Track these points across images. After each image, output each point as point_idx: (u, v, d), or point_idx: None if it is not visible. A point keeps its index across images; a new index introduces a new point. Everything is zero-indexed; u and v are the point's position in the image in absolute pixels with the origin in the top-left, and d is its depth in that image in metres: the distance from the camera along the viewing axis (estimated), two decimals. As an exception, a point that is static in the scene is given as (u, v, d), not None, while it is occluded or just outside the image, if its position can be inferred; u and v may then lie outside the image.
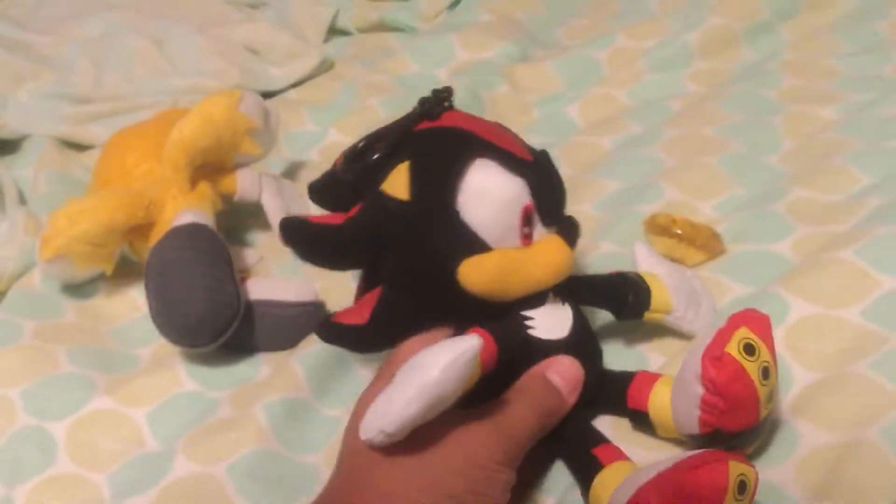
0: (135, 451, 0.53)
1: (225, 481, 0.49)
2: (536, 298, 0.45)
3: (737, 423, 0.40)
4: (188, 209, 0.60)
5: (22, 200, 0.78)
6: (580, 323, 0.46)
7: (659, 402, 0.44)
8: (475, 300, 0.42)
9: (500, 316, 0.43)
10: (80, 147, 0.86)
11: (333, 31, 1.05)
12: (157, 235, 0.60)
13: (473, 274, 0.41)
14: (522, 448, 0.41)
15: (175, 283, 0.54)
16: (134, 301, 0.65)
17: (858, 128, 0.67)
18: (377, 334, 0.44)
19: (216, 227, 0.61)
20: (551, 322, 0.45)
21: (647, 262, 0.52)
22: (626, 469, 0.41)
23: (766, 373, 0.40)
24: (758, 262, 0.56)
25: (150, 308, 0.55)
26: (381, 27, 1.04)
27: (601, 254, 0.60)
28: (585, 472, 0.42)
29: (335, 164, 0.46)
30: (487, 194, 0.42)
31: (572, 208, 0.64)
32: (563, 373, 0.44)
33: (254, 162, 0.69)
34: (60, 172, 0.80)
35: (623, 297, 0.49)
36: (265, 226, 0.69)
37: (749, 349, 0.39)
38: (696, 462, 0.37)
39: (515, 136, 0.47)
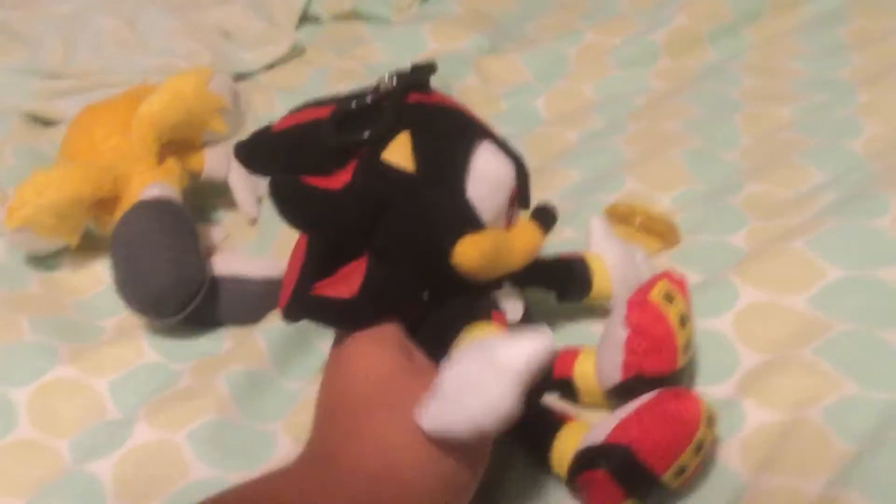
0: (96, 418, 0.54)
1: (185, 447, 0.49)
2: (498, 281, 0.45)
3: (656, 366, 0.43)
4: (155, 183, 0.60)
5: (-11, 173, 0.78)
6: (527, 306, 0.47)
7: (583, 368, 0.47)
8: (457, 278, 0.42)
9: (472, 295, 0.44)
10: (48, 122, 0.86)
11: (306, 18, 1.05)
12: (122, 209, 0.60)
13: (468, 252, 0.41)
14: None
15: (140, 254, 0.55)
16: (98, 274, 0.66)
17: (814, 127, 0.69)
18: (365, 308, 0.41)
19: (183, 203, 0.62)
20: (510, 305, 0.46)
21: (600, 239, 0.53)
22: (584, 424, 0.43)
23: (683, 321, 0.43)
24: (712, 252, 0.58)
25: (115, 279, 0.56)
26: (354, 16, 1.04)
27: (563, 239, 0.61)
28: (544, 432, 0.44)
29: (280, 124, 0.44)
30: (490, 176, 0.43)
31: (537, 196, 0.67)
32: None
33: (221, 141, 0.70)
34: (28, 146, 0.80)
35: (565, 282, 0.50)
36: (232, 204, 0.70)
37: (669, 297, 0.43)
38: (672, 396, 0.40)
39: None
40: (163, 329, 0.58)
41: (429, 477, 0.38)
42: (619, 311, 0.44)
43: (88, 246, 0.66)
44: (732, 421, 0.45)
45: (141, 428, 0.50)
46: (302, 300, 0.41)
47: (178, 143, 0.67)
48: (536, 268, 0.49)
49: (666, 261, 0.58)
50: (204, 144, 0.69)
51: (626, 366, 0.43)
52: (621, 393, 0.44)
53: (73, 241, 0.64)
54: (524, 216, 0.45)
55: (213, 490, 0.46)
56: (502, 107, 0.84)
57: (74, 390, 0.55)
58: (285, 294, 0.42)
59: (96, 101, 0.74)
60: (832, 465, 0.42)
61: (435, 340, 0.42)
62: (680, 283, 0.45)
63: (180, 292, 0.54)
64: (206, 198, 0.72)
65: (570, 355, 0.48)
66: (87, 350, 0.57)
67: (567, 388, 0.48)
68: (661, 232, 0.59)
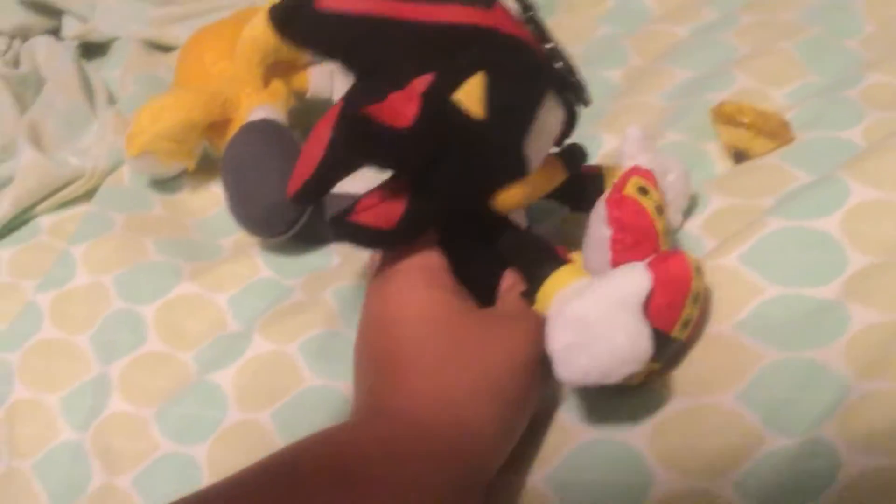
0: (217, 331, 0.57)
1: (297, 358, 0.52)
2: None
3: (642, 256, 0.42)
4: (261, 105, 0.62)
5: (111, 101, 0.82)
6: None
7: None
8: (488, 213, 0.44)
9: (494, 223, 0.45)
10: (164, 48, 0.89)
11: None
12: (233, 132, 0.62)
13: (511, 199, 0.43)
14: None
15: (248, 176, 0.57)
16: (216, 195, 0.68)
17: (945, 9, 0.64)
18: (399, 240, 0.43)
19: (289, 124, 0.64)
20: (517, 216, 0.47)
21: (631, 152, 0.51)
22: (578, 271, 0.44)
23: (659, 210, 0.44)
24: (826, 150, 0.55)
25: (227, 200, 0.58)
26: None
27: (667, 143, 0.59)
28: (539, 268, 0.44)
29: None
30: (546, 131, 0.43)
31: (639, 98, 0.65)
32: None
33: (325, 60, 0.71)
34: (147, 73, 0.83)
35: (577, 196, 0.50)
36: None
37: (642, 191, 0.44)
38: (661, 260, 0.41)
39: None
40: (275, 246, 0.60)
41: (496, 425, 0.39)
42: (599, 211, 0.44)
43: (206, 168, 0.69)
44: (837, 323, 0.43)
45: (257, 340, 0.53)
46: (341, 224, 0.42)
47: (282, 64, 0.68)
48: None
49: (777, 160, 0.56)
50: (308, 64, 0.70)
51: (615, 262, 0.43)
52: None
53: (191, 164, 0.67)
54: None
55: (324, 397, 0.50)
56: (608, 5, 0.81)
57: (197, 306, 0.58)
58: (295, 182, 0.42)
59: (206, 25, 0.76)
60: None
61: (483, 279, 0.45)
62: (648, 175, 0.45)
63: (288, 211, 0.56)
64: (313, 116, 0.73)
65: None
66: (208, 268, 0.60)
67: None
68: (773, 131, 0.57)
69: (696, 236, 0.52)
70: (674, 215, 0.51)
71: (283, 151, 0.58)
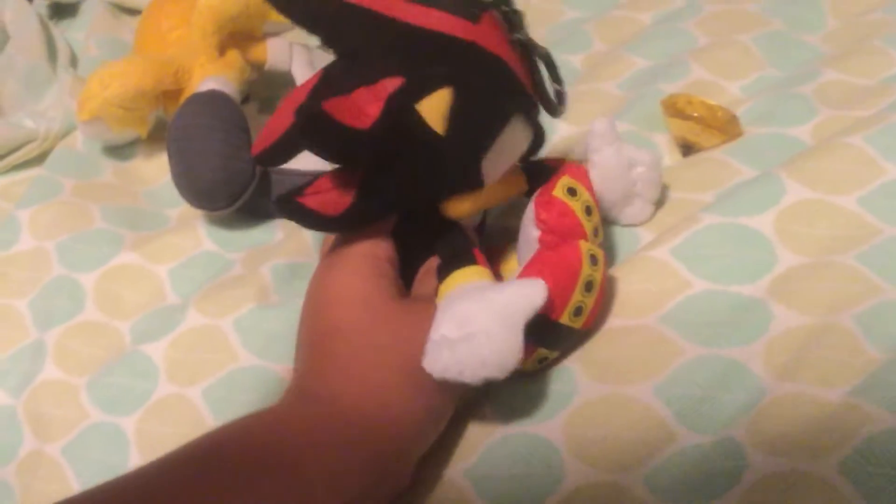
0: (156, 303, 0.57)
1: (230, 334, 0.52)
2: None
3: None
4: (212, 76, 0.62)
5: (74, 63, 0.81)
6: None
7: (510, 266, 0.49)
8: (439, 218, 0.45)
9: (446, 222, 0.45)
10: (131, 11, 0.88)
11: None
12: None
13: (461, 207, 0.44)
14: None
15: (192, 148, 0.56)
16: (168, 164, 0.68)
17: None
18: (342, 228, 0.44)
19: (243, 95, 0.63)
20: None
21: (598, 149, 0.50)
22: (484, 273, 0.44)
23: (588, 210, 0.45)
24: (773, 146, 0.55)
25: (171, 171, 0.58)
26: None
27: (620, 132, 0.59)
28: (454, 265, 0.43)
29: None
30: (507, 151, 0.44)
31: (596, 86, 0.65)
32: None
33: (284, 32, 0.70)
34: (111, 36, 0.82)
35: (535, 185, 0.48)
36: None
37: (572, 192, 0.45)
38: (551, 247, 0.43)
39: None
40: (220, 220, 0.60)
41: (419, 411, 0.40)
42: (530, 211, 0.45)
43: (161, 136, 0.68)
44: (760, 323, 0.43)
45: (192, 314, 0.53)
46: (288, 203, 0.42)
47: (240, 35, 0.67)
48: None
49: (722, 154, 0.55)
50: (266, 35, 0.69)
51: None
52: None
53: (143, 132, 0.66)
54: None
55: (255, 377, 0.50)
56: (577, -14, 0.81)
57: (137, 276, 0.58)
58: (259, 144, 0.43)
59: (169, -9, 0.75)
60: (858, 372, 0.40)
61: (409, 270, 0.45)
62: (580, 175, 0.46)
63: (230, 185, 0.56)
64: (272, 89, 0.73)
65: (495, 255, 0.49)
66: (151, 238, 0.60)
67: None
68: (721, 125, 0.57)
69: (633, 229, 0.52)
70: (643, 207, 0.51)
71: (229, 124, 0.58)
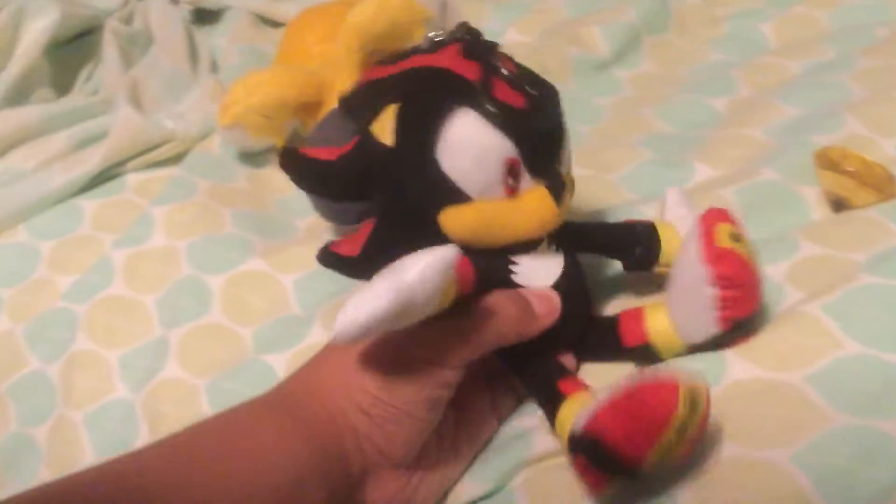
0: (279, 312, 0.57)
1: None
2: (525, 245, 0.44)
3: (751, 307, 0.42)
4: (353, 92, 0.62)
5: (214, 69, 0.83)
6: (571, 272, 0.45)
7: (658, 327, 0.45)
8: (461, 244, 0.42)
9: (486, 258, 0.43)
10: (273, 23, 0.90)
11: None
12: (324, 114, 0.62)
13: (453, 224, 0.41)
14: (472, 349, 0.40)
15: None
16: (300, 176, 0.69)
17: None
18: (368, 265, 0.42)
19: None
20: (538, 269, 0.44)
21: (674, 206, 0.48)
22: (586, 397, 0.41)
23: (752, 253, 0.42)
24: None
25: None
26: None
27: (762, 181, 0.57)
28: (551, 404, 0.42)
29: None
30: (465, 149, 0.41)
31: (741, 131, 0.63)
32: (540, 296, 0.43)
33: (426, 52, 0.70)
34: (252, 46, 0.84)
35: (630, 249, 0.47)
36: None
37: (735, 237, 0.42)
38: (649, 383, 0.37)
39: (517, 71, 0.44)
40: (346, 232, 0.60)
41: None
42: (691, 270, 0.42)
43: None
44: None
45: (316, 329, 0.53)
46: (322, 252, 0.46)
47: (382, 53, 0.67)
48: (599, 233, 0.48)
49: (877, 214, 0.53)
50: (407, 55, 0.69)
51: (724, 319, 0.42)
52: (718, 341, 0.43)
53: (280, 141, 0.67)
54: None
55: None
56: (724, 30, 0.79)
57: (263, 283, 0.58)
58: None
59: (315, 5, 0.76)
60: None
61: None
62: (727, 215, 0.43)
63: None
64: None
65: (634, 320, 0.46)
66: (279, 247, 0.60)
67: (644, 353, 0.46)
68: (878, 183, 0.54)
69: (778, 284, 0.49)
70: None
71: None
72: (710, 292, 0.41)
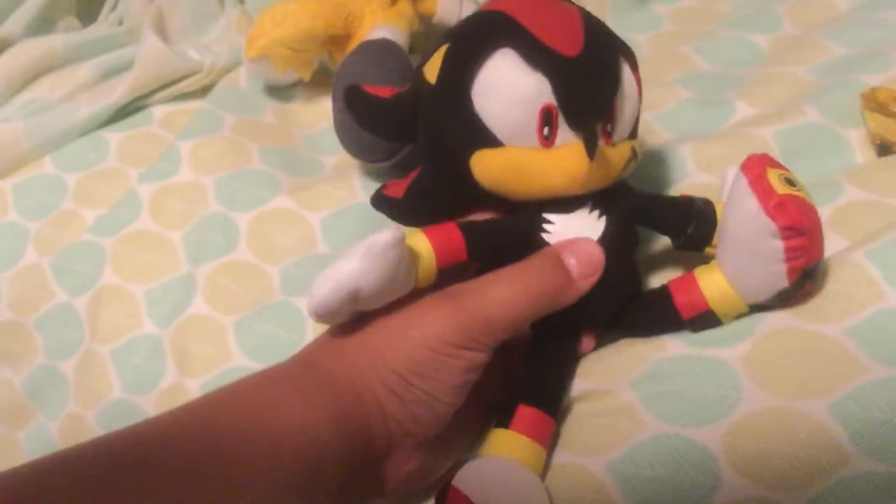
0: (306, 250, 0.56)
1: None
2: (564, 203, 0.42)
3: (818, 253, 0.39)
4: (383, 25, 0.60)
5: (241, 0, 0.81)
6: (614, 240, 0.42)
7: (717, 291, 0.42)
8: (492, 192, 0.41)
9: (520, 211, 0.42)
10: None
11: None
12: (353, 47, 0.61)
13: (482, 168, 0.40)
14: (499, 329, 0.39)
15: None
16: (327, 110, 0.66)
17: None
18: (411, 209, 0.44)
19: (409, 47, 0.61)
20: (574, 230, 0.42)
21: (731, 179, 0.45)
22: (511, 442, 0.40)
23: (809, 194, 0.40)
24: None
25: (334, 119, 0.57)
26: None
27: (804, 122, 0.55)
28: (503, 416, 0.41)
29: None
30: (499, 88, 0.39)
31: (785, 69, 0.60)
32: (581, 255, 0.41)
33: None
34: (280, -24, 0.82)
35: (683, 226, 0.44)
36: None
37: (789, 182, 0.39)
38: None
39: (577, 23, 0.41)
40: (375, 172, 0.59)
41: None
42: (749, 223, 0.39)
43: (323, 82, 0.68)
44: None
45: (343, 267, 0.52)
46: (375, 193, 0.46)
47: (412, -16, 0.66)
48: (652, 205, 0.45)
49: (922, 160, 0.51)
50: (439, -13, 0.67)
51: (793, 270, 0.39)
52: (788, 295, 0.41)
53: (306, 74, 0.66)
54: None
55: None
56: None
57: (290, 221, 0.57)
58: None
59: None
60: None
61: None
62: (772, 161, 0.40)
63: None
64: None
65: (687, 288, 0.43)
66: (306, 184, 0.60)
67: (704, 321, 0.43)
68: (925, 125, 0.52)
69: (826, 233, 0.48)
70: None
71: (398, 74, 0.56)
72: (776, 245, 0.39)
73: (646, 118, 0.59)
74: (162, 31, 0.73)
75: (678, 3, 0.74)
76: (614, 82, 0.41)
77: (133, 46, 0.72)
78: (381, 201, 0.46)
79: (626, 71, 0.42)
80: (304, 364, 0.40)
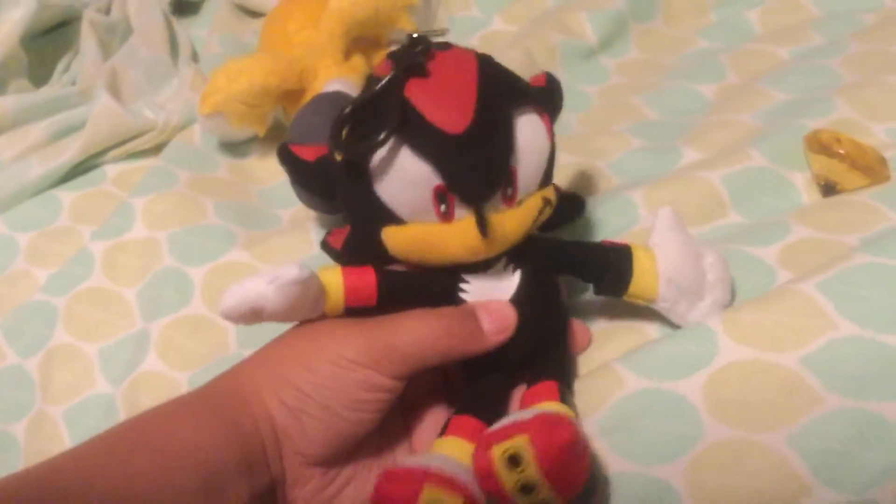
0: (263, 303, 0.56)
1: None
2: (476, 265, 0.43)
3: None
4: (337, 78, 0.61)
5: (194, 59, 0.81)
6: (529, 291, 0.44)
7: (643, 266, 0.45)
8: (403, 261, 0.43)
9: (438, 271, 0.43)
10: (253, 13, 0.89)
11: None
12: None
13: (391, 242, 0.41)
14: (401, 359, 0.39)
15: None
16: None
17: None
18: (348, 261, 0.44)
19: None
20: (490, 289, 0.43)
21: (663, 231, 0.46)
22: (450, 447, 0.40)
23: (527, 489, 0.36)
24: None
25: (289, 170, 0.57)
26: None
27: (751, 167, 0.56)
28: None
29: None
30: (391, 174, 0.40)
31: (730, 117, 0.62)
32: (494, 315, 0.42)
33: (409, 39, 0.69)
34: (233, 35, 0.83)
35: (601, 274, 0.45)
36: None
37: (514, 461, 0.36)
38: (390, 478, 0.37)
39: (470, 89, 0.40)
40: (332, 221, 0.59)
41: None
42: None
43: (277, 137, 0.68)
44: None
45: (300, 319, 0.52)
46: (322, 240, 0.48)
47: (365, 40, 0.67)
48: (571, 252, 0.46)
49: (869, 199, 0.52)
50: (391, 42, 0.68)
51: None
52: None
53: (261, 130, 0.66)
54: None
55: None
56: (710, 19, 0.78)
57: (247, 274, 0.57)
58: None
59: (296, -7, 0.75)
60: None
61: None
62: (544, 438, 0.36)
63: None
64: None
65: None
66: (262, 238, 0.59)
67: (620, 255, 0.46)
68: (868, 166, 0.53)
69: (770, 266, 0.49)
70: (713, 308, 0.45)
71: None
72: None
73: (598, 165, 0.61)
74: (115, 91, 0.73)
75: (625, 56, 0.76)
76: (506, 150, 0.41)
77: (86, 106, 0.72)
78: (324, 247, 0.48)
79: (527, 125, 0.42)
80: (205, 389, 0.41)
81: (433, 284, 0.43)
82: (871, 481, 0.37)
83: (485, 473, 0.37)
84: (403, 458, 0.42)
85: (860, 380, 0.40)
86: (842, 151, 0.53)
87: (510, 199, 0.42)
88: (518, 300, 0.43)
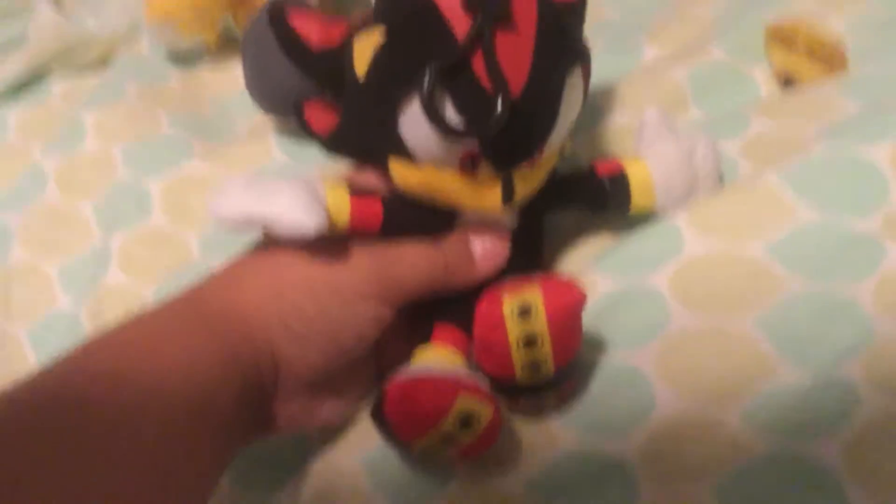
0: (224, 213, 0.55)
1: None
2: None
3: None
4: (289, -20, 0.59)
5: (138, -34, 0.78)
6: (521, 233, 0.43)
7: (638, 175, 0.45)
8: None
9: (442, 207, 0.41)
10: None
11: None
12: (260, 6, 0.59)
13: (398, 175, 0.39)
14: (401, 291, 0.40)
15: (267, 53, 0.54)
16: (236, 77, 0.65)
17: None
18: (334, 150, 0.42)
19: (319, 5, 0.60)
20: (489, 223, 0.43)
21: (651, 137, 0.46)
22: (441, 354, 0.41)
23: (530, 341, 0.37)
24: (880, 84, 0.52)
25: (245, 76, 0.55)
26: None
27: (709, 61, 0.56)
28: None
29: None
30: (426, 127, 0.36)
31: (686, 10, 0.62)
32: (488, 244, 0.42)
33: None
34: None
35: (601, 204, 0.45)
36: (369, 5, 0.68)
37: (524, 312, 0.37)
38: (427, 378, 0.38)
39: (528, 45, 0.37)
40: (291, 131, 0.58)
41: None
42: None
43: (227, 46, 0.66)
44: (871, 259, 0.41)
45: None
46: (301, 121, 0.43)
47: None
48: (562, 188, 0.45)
49: (827, 88, 0.52)
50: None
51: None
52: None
53: (211, 38, 0.64)
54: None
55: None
56: None
57: (206, 185, 0.56)
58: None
59: None
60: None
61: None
62: (558, 293, 0.38)
63: (305, 90, 0.53)
64: (342, 4, 0.70)
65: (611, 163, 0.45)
66: (220, 148, 0.58)
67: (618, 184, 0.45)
68: (827, 56, 0.54)
69: (732, 159, 0.49)
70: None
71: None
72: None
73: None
74: (56, 0, 0.70)
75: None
76: (550, 123, 0.38)
77: (26, 19, 0.69)
78: (305, 128, 0.43)
79: (573, 88, 0.39)
80: (189, 302, 0.39)
81: (436, 218, 0.42)
82: (837, 358, 0.38)
83: (492, 324, 0.37)
84: (404, 366, 0.40)
85: (824, 262, 0.41)
86: (802, 44, 0.53)
87: (535, 161, 0.40)
88: (513, 238, 0.43)
